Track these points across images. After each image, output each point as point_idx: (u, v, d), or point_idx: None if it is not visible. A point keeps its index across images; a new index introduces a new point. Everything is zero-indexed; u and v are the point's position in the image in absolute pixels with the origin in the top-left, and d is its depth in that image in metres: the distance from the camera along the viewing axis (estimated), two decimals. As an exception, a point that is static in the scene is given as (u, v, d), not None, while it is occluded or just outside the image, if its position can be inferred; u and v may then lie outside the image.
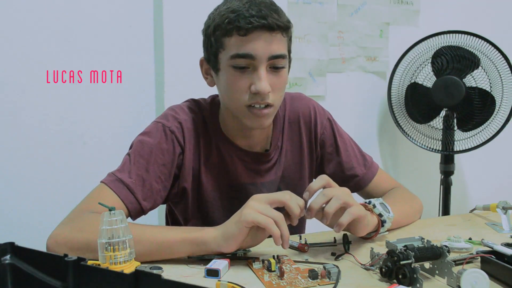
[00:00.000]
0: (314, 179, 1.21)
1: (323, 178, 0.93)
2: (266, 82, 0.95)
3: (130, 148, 1.05)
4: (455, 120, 1.91)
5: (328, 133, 1.18)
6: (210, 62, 1.02)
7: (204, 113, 1.10)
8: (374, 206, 0.98)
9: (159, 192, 1.03)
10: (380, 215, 0.98)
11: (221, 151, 1.09)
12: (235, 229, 0.84)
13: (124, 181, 0.98)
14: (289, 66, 1.06)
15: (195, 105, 1.11)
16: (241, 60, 0.95)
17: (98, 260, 0.74)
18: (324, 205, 0.88)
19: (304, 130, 1.16)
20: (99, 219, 0.89)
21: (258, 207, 0.84)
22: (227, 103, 1.04)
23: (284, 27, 0.96)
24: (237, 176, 1.10)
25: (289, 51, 1.02)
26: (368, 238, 0.99)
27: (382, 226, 0.98)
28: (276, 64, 0.97)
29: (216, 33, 0.97)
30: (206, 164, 1.08)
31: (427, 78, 1.94)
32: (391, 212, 0.99)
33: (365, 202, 1.00)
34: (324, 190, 0.90)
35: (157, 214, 1.72)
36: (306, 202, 0.90)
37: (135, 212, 0.99)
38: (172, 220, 1.20)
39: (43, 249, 0.89)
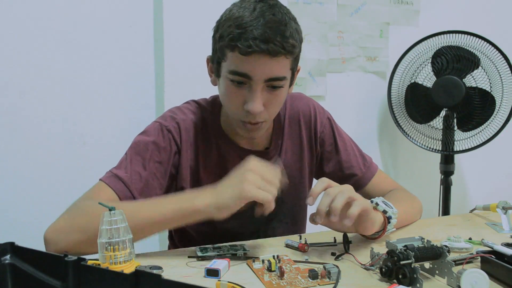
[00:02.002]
0: (314, 178, 1.22)
1: (324, 181, 0.92)
2: (259, 103, 0.95)
3: (129, 147, 1.06)
4: (455, 120, 1.91)
5: (327, 132, 1.18)
6: (214, 65, 1.03)
7: (204, 113, 1.11)
8: (377, 204, 0.98)
9: (154, 189, 1.03)
10: (384, 211, 0.97)
11: (221, 151, 1.10)
12: (232, 202, 0.85)
13: (120, 176, 0.99)
14: (293, 80, 1.06)
15: (194, 106, 1.12)
16: (238, 77, 0.95)
17: (97, 257, 0.74)
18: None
19: (304, 129, 1.17)
20: (93, 205, 0.91)
21: (258, 182, 0.85)
22: (225, 108, 1.06)
23: (287, 52, 0.93)
24: None
25: (294, 69, 1.01)
26: (376, 238, 0.99)
27: (389, 222, 0.98)
28: (273, 84, 0.97)
29: (220, 43, 0.96)
30: (206, 164, 1.09)
31: (427, 78, 1.94)
32: (394, 207, 0.99)
33: None
34: (327, 190, 0.90)
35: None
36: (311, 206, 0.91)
37: None
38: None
39: (43, 249, 0.89)
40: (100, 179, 1.01)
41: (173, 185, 1.08)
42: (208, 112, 1.11)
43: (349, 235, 0.97)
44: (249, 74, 0.94)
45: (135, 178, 1.00)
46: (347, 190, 0.89)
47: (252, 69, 0.93)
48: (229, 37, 0.93)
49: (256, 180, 0.85)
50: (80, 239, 0.87)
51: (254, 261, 0.87)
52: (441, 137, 1.95)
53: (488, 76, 1.87)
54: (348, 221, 0.87)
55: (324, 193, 0.90)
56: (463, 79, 1.85)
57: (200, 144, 1.09)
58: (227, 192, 0.86)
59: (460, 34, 1.88)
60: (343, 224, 0.88)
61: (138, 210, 0.89)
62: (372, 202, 0.99)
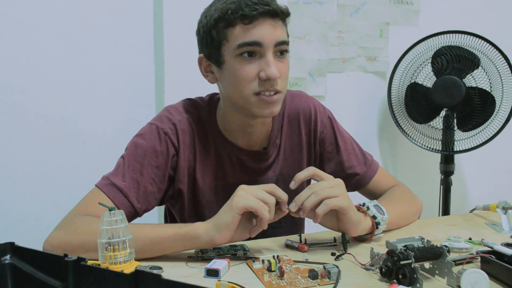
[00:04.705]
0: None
1: (310, 169, 0.96)
2: (275, 68, 0.96)
3: (126, 150, 1.05)
4: (455, 120, 1.91)
5: (328, 131, 1.18)
6: (212, 58, 1.01)
7: (200, 112, 1.10)
8: (368, 208, 0.99)
9: (153, 194, 1.03)
10: (374, 217, 0.98)
11: (219, 151, 1.09)
12: (228, 218, 0.85)
13: (118, 184, 0.99)
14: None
15: (191, 105, 1.11)
16: (248, 48, 0.95)
17: (96, 260, 0.74)
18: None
19: (304, 128, 1.16)
20: (93, 221, 0.90)
21: (247, 195, 0.86)
22: (234, 95, 1.01)
23: (286, 13, 0.99)
24: (235, 175, 1.09)
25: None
26: (363, 240, 1.00)
27: (377, 228, 0.98)
28: (281, 49, 0.98)
29: (218, 26, 0.97)
30: (203, 164, 1.08)
31: (427, 78, 1.94)
32: (385, 214, 0.99)
33: (360, 204, 1.00)
34: (311, 185, 0.93)
35: (157, 215, 1.72)
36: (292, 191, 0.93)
37: (129, 215, 0.99)
38: (171, 221, 1.20)
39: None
40: (96, 185, 1.00)
41: (170, 187, 1.07)
42: (205, 111, 1.10)
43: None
44: (259, 40, 0.95)
45: (133, 186, 1.00)
46: (325, 189, 0.91)
47: (260, 34, 0.95)
48: (229, 13, 0.94)
49: (246, 194, 0.86)
50: (79, 254, 0.87)
51: (254, 261, 0.87)
52: (441, 137, 1.95)
53: (488, 76, 1.86)
54: (314, 219, 0.91)
55: (308, 186, 0.92)
56: (463, 79, 1.85)
57: (197, 144, 1.08)
58: (222, 212, 0.88)
59: (460, 34, 1.88)
60: (313, 221, 0.91)
61: (140, 230, 0.87)
62: (364, 205, 1.00)
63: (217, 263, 0.83)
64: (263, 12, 0.94)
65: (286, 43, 0.99)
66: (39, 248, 0.61)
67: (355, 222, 0.94)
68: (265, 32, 0.95)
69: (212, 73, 1.04)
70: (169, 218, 1.20)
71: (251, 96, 0.98)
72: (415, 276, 0.75)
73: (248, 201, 0.85)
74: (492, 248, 0.87)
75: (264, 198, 0.86)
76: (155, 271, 0.80)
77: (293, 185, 0.94)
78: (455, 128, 1.92)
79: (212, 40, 0.99)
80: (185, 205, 1.09)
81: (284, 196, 0.90)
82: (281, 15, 0.97)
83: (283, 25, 1.00)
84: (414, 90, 1.94)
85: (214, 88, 1.14)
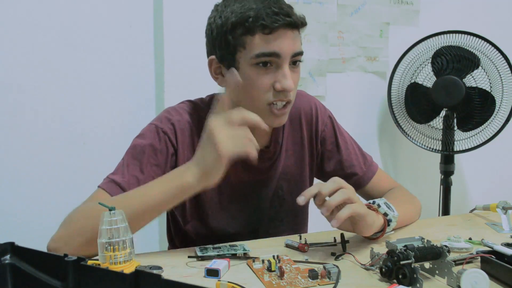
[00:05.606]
0: (314, 177, 1.21)
1: (335, 181, 0.91)
2: (291, 80, 0.96)
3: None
4: (455, 120, 1.91)
5: (328, 130, 1.18)
6: (224, 61, 1.00)
7: (201, 113, 1.09)
8: (379, 206, 0.98)
9: None
10: (385, 214, 0.98)
11: None
12: (218, 166, 0.86)
13: (117, 181, 0.99)
14: None
15: (190, 106, 1.11)
16: (266, 58, 0.95)
17: (98, 258, 0.74)
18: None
19: (305, 127, 1.16)
20: (89, 207, 0.89)
21: (229, 139, 0.85)
22: (244, 102, 1.00)
23: (304, 24, 0.98)
24: (236, 174, 1.09)
25: None
26: (374, 238, 0.99)
27: (388, 225, 0.98)
28: (295, 60, 0.98)
29: (235, 31, 0.95)
30: None
31: (427, 78, 1.94)
32: (395, 211, 0.99)
33: (369, 203, 1.00)
34: (334, 178, 0.92)
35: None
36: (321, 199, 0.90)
37: None
38: (172, 219, 1.20)
39: (43, 249, 0.89)
40: (98, 186, 1.00)
41: None
42: (205, 112, 1.08)
43: (347, 234, 0.97)
44: (278, 51, 0.94)
45: (132, 183, 1.00)
46: (350, 190, 0.90)
47: (280, 45, 0.94)
48: (250, 20, 0.93)
49: (227, 139, 0.85)
50: (79, 243, 0.87)
51: (254, 261, 0.87)
52: (441, 137, 1.95)
53: (488, 76, 1.87)
54: (334, 222, 0.87)
55: (332, 179, 0.91)
56: (463, 79, 1.85)
57: (196, 144, 1.07)
58: (208, 159, 0.87)
59: (460, 34, 1.88)
60: (330, 223, 0.89)
61: (129, 201, 0.88)
62: (374, 203, 0.99)
63: (217, 263, 0.83)
64: (284, 24, 0.93)
65: (301, 53, 0.98)
66: (40, 248, 0.61)
67: (370, 225, 0.94)
68: (284, 43, 0.94)
69: (222, 76, 1.03)
70: (170, 217, 1.20)
71: (263, 106, 0.98)
72: (415, 276, 0.75)
73: (235, 147, 0.85)
74: (492, 248, 0.87)
75: (244, 134, 0.87)
76: (155, 271, 0.80)
77: (302, 200, 0.90)
78: (455, 128, 1.92)
79: (227, 44, 0.97)
80: (186, 205, 1.09)
81: (254, 116, 0.89)
82: (301, 26, 0.97)
83: (299, 35, 0.99)
84: (414, 90, 1.94)
85: (214, 89, 1.14)
